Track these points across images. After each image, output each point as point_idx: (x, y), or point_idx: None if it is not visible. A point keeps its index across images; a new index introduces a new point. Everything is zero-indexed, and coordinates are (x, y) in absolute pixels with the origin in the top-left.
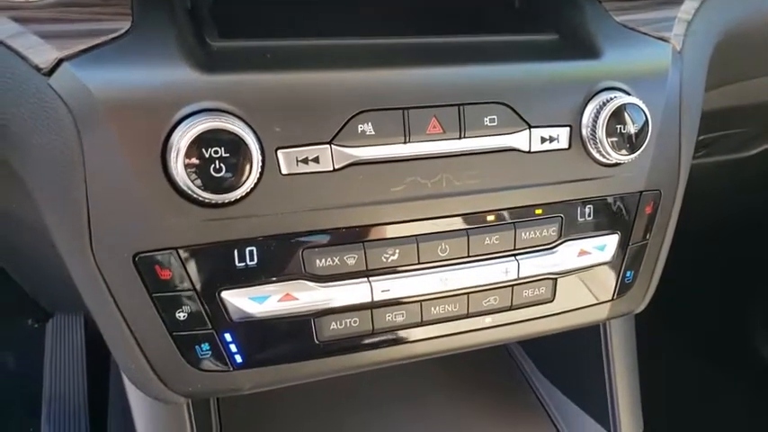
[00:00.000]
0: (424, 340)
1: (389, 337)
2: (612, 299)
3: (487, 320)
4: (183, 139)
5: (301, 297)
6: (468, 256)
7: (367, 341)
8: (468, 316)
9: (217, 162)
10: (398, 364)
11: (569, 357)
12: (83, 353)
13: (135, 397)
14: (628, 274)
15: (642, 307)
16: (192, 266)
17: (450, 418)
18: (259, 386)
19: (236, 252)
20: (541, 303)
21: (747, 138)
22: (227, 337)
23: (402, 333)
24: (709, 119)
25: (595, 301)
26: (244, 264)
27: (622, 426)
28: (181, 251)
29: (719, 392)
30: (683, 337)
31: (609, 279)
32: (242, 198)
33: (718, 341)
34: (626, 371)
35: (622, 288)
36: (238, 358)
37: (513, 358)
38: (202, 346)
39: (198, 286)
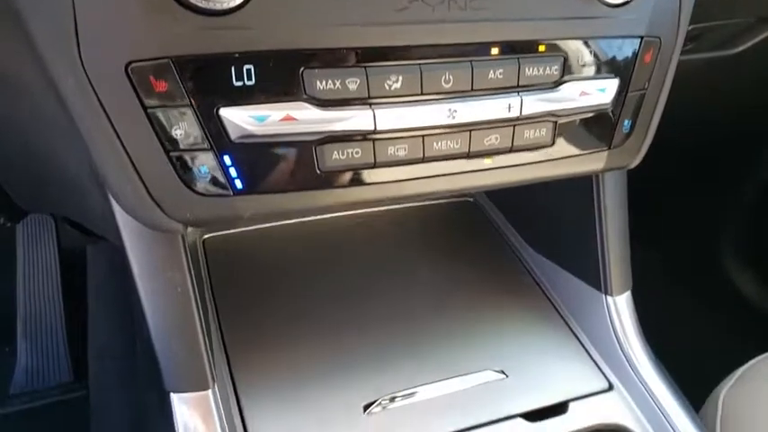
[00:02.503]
0: (425, 178)
1: (391, 171)
2: (610, 148)
3: (487, 162)
4: None
5: (302, 118)
6: (473, 90)
7: (369, 174)
8: (468, 156)
9: None
10: (395, 206)
11: (556, 223)
12: (56, 261)
13: (128, 231)
14: (626, 123)
15: (636, 162)
16: (188, 80)
17: (438, 285)
18: (259, 214)
19: (233, 68)
20: (541, 147)
21: (737, 31)
22: (227, 159)
23: (404, 169)
24: (696, 6)
25: (593, 149)
26: (242, 82)
27: (613, 283)
28: (176, 61)
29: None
30: (655, 258)
31: (607, 126)
32: (239, 7)
33: (688, 262)
34: (618, 230)
35: (619, 138)
36: (238, 183)
37: (497, 230)
38: (201, 168)
39: (195, 102)
